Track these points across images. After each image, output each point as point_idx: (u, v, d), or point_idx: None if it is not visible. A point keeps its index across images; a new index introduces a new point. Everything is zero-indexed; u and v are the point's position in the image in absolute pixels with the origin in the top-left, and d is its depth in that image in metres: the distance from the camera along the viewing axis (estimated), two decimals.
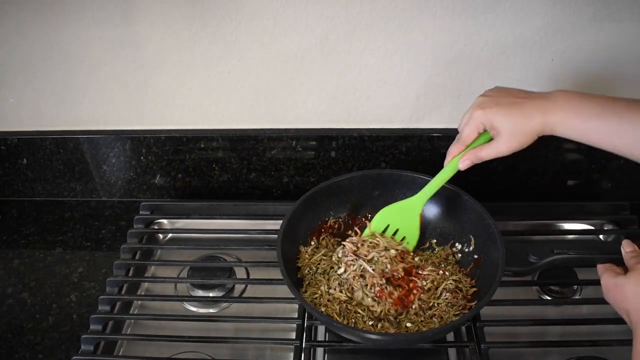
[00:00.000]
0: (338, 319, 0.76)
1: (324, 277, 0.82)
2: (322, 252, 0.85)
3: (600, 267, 0.70)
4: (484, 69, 0.89)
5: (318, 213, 0.90)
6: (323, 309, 0.77)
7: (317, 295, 0.80)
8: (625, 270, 0.67)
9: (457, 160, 0.75)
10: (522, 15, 0.83)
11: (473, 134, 0.73)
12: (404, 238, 0.86)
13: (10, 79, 0.96)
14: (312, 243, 0.88)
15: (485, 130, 0.73)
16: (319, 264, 0.84)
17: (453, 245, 0.87)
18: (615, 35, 0.84)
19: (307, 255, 0.86)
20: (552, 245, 0.75)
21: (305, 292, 0.81)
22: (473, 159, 0.74)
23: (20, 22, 0.88)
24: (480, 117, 0.71)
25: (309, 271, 0.84)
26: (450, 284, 0.79)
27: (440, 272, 0.81)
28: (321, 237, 0.89)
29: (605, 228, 0.98)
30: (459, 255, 0.86)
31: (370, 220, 0.88)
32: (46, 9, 0.86)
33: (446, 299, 0.78)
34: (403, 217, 0.85)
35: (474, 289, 0.80)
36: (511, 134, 0.69)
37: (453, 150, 0.76)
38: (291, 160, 1.02)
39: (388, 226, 0.86)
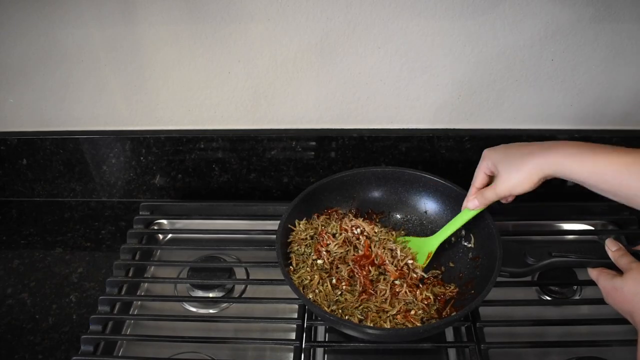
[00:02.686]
0: (326, 308, 0.77)
1: (309, 264, 0.83)
2: (312, 230, 0.87)
3: (593, 272, 0.70)
4: (484, 69, 0.89)
5: (320, 208, 0.91)
6: (311, 295, 0.79)
7: (307, 282, 0.81)
8: (619, 271, 0.67)
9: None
10: (522, 16, 0.83)
11: (481, 175, 0.77)
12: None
13: (9, 80, 0.96)
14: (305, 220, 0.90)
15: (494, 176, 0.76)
16: (306, 242, 0.86)
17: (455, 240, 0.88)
18: (615, 35, 0.84)
19: (300, 229, 0.87)
20: (550, 247, 0.75)
21: (295, 272, 0.82)
22: (480, 199, 0.77)
23: (20, 22, 0.88)
24: (485, 156, 0.75)
25: (297, 249, 0.85)
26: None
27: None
28: (320, 217, 0.90)
29: (605, 228, 0.98)
30: (460, 253, 0.86)
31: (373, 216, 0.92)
32: (46, 9, 0.86)
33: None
34: (417, 248, 0.85)
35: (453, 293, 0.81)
36: (507, 173, 0.72)
37: (469, 192, 0.79)
38: (291, 160, 1.02)
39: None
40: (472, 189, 0.79)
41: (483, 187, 0.77)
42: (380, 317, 0.76)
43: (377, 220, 0.92)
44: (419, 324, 0.75)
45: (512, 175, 0.71)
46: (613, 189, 0.65)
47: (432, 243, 0.84)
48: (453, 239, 0.87)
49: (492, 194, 0.75)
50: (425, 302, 0.78)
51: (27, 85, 0.97)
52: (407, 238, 0.88)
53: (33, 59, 0.93)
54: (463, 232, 0.87)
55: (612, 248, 0.69)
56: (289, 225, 0.86)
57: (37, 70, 0.94)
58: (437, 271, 0.85)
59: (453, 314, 0.76)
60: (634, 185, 0.63)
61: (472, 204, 0.78)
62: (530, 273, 0.75)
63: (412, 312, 0.77)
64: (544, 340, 0.80)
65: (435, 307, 0.79)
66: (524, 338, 0.79)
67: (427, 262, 0.84)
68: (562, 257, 0.73)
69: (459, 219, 0.82)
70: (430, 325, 0.75)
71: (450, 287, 0.82)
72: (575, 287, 0.87)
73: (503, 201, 0.77)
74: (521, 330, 0.80)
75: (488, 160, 0.75)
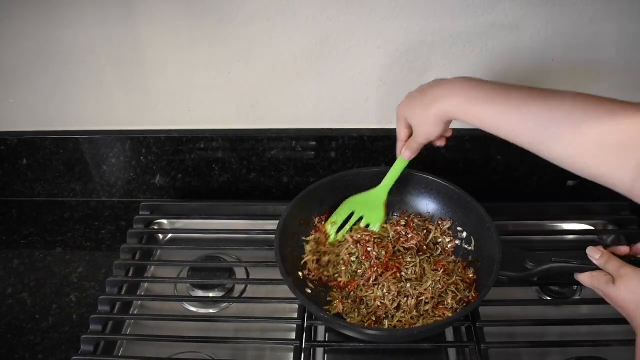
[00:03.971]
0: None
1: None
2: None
3: (585, 279, 0.70)
4: (484, 69, 0.89)
5: (321, 207, 0.91)
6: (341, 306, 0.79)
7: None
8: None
9: None
10: (522, 16, 0.83)
11: (402, 130, 0.79)
12: (367, 225, 0.89)
13: (10, 79, 0.96)
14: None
15: None
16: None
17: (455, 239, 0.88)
18: (615, 35, 0.84)
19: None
20: (550, 253, 0.75)
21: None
22: (409, 149, 0.80)
23: (20, 22, 0.88)
24: (398, 113, 0.78)
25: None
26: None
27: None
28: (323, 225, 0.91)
29: (605, 228, 0.98)
30: (460, 255, 0.86)
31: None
32: (46, 9, 0.86)
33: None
34: (368, 207, 0.88)
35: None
36: (417, 124, 0.75)
37: (397, 146, 0.82)
38: (291, 160, 1.02)
39: (352, 214, 0.89)
40: (400, 143, 0.81)
41: (408, 138, 0.79)
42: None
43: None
44: (450, 314, 0.75)
45: (422, 127, 0.74)
46: (508, 137, 0.66)
47: (382, 193, 0.87)
48: (457, 242, 0.87)
49: (415, 145, 0.78)
50: (454, 288, 0.79)
51: (27, 85, 0.97)
52: (353, 200, 0.90)
53: (33, 59, 0.93)
54: (465, 235, 0.86)
55: (595, 256, 0.69)
56: (316, 219, 0.89)
57: (37, 70, 0.94)
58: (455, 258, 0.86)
59: (449, 315, 0.76)
60: (529, 135, 0.64)
61: (406, 155, 0.81)
62: (530, 278, 0.75)
63: (445, 302, 0.77)
64: (544, 340, 0.80)
65: (465, 293, 0.79)
66: (524, 338, 0.79)
67: (386, 211, 0.88)
68: (561, 263, 0.73)
69: (397, 167, 0.85)
70: (425, 327, 0.75)
71: (469, 273, 0.82)
72: (575, 287, 0.87)
73: (438, 144, 0.79)
74: (521, 330, 0.80)
75: (401, 117, 0.77)
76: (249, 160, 1.02)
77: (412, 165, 0.94)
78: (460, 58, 0.88)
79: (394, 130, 0.97)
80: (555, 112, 0.61)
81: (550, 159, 0.64)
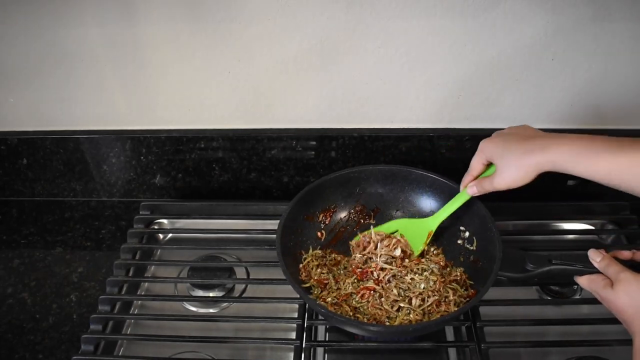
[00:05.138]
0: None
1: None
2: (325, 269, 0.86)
3: (584, 281, 0.70)
4: (484, 68, 0.89)
5: (325, 203, 0.91)
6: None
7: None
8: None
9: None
10: (522, 15, 0.83)
11: (478, 165, 0.77)
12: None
13: (10, 79, 0.96)
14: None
15: (491, 163, 0.76)
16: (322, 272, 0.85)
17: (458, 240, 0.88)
18: (615, 34, 0.84)
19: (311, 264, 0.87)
20: (551, 253, 0.75)
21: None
22: (479, 188, 0.78)
23: (20, 21, 0.88)
24: (483, 149, 0.75)
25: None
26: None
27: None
28: (328, 251, 0.90)
29: (605, 228, 0.98)
30: (461, 255, 0.86)
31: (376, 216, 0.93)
32: (46, 9, 0.86)
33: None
34: (414, 231, 0.88)
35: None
36: (506, 169, 0.71)
37: (464, 179, 0.80)
38: (291, 160, 1.02)
39: (396, 232, 0.89)
40: (469, 177, 0.79)
41: (479, 175, 0.78)
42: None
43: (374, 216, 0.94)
44: (455, 309, 0.76)
45: (510, 172, 0.70)
46: (616, 185, 0.64)
47: (432, 223, 0.86)
48: (460, 241, 0.87)
49: (489, 186, 0.75)
50: (453, 284, 0.80)
51: (27, 85, 0.97)
52: (403, 221, 0.90)
53: (33, 59, 0.93)
54: (467, 235, 0.87)
55: (596, 259, 0.69)
56: (320, 215, 0.90)
57: (37, 70, 0.94)
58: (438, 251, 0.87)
59: (454, 309, 0.76)
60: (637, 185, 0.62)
61: (471, 191, 0.79)
62: (529, 279, 0.75)
63: (447, 299, 0.78)
64: (544, 340, 0.80)
65: (462, 290, 0.80)
66: (524, 338, 0.79)
67: (429, 240, 0.86)
68: (561, 265, 0.73)
69: (457, 200, 0.83)
70: (421, 324, 0.75)
71: (457, 272, 0.82)
72: (575, 286, 0.87)
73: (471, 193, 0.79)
74: (521, 330, 0.81)
75: (486, 153, 0.75)
76: (249, 160, 1.02)
77: (415, 165, 0.95)
78: (460, 57, 0.88)
79: (394, 130, 0.98)
80: None
81: None
